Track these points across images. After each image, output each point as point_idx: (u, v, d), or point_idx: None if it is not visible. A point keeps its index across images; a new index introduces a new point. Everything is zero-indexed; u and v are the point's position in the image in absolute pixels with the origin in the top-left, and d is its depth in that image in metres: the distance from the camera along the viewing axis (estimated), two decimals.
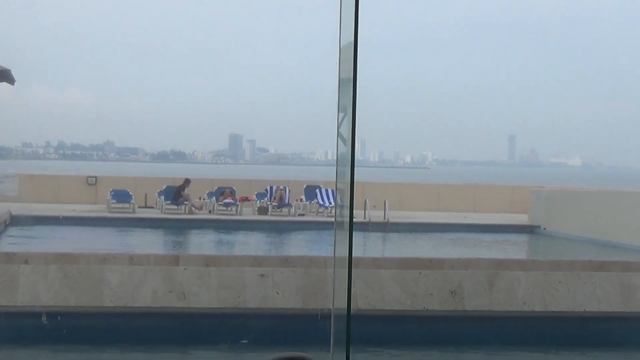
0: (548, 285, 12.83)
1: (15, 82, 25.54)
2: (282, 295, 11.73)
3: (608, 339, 11.64)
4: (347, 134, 4.37)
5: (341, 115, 4.40)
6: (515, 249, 29.26)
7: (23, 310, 11.35)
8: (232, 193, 38.16)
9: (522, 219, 35.50)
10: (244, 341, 9.39)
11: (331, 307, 4.52)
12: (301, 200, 38.82)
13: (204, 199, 38.63)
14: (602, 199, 33.53)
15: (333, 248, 4.59)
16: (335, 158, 4.44)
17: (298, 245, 29.51)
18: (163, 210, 37.15)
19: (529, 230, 33.64)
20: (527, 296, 12.47)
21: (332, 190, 32.03)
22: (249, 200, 38.95)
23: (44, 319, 11.49)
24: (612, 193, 36.99)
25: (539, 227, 33.10)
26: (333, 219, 4.81)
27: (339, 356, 4.32)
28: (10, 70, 20.44)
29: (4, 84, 22.91)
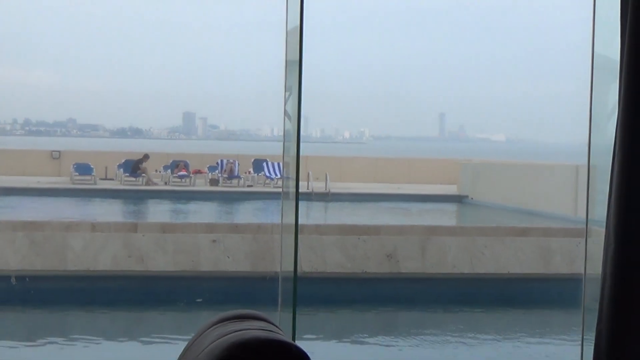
0: (475, 249, 12.99)
1: None
2: (233, 259, 11.79)
3: (529, 298, 11.79)
4: (292, 112, 4.39)
5: (287, 94, 4.42)
6: (445, 216, 29.53)
7: None
8: (185, 166, 38.29)
9: (451, 189, 35.88)
10: (198, 300, 9.44)
11: (278, 270, 4.54)
12: (249, 172, 38.92)
13: (159, 172, 38.67)
14: (523, 171, 33.93)
15: (281, 216, 4.61)
16: (281, 134, 4.46)
17: (246, 214, 29.63)
18: (122, 182, 37.24)
19: (457, 199, 33.98)
20: (456, 259, 12.61)
21: (279, 164, 32.20)
22: (202, 173, 39.02)
23: (13, 280, 11.47)
24: (531, 165, 37.41)
25: (466, 196, 33.45)
26: (279, 190, 4.84)
27: (286, 314, 4.35)
28: None
29: None
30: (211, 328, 3.42)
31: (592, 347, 4.22)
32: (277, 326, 3.42)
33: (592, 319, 4.26)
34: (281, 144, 4.51)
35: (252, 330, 3.23)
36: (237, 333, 3.21)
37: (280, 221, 4.60)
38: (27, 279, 11.47)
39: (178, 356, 3.46)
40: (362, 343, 10.25)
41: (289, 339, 3.11)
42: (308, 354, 2.86)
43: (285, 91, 4.41)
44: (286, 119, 4.47)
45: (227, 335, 3.20)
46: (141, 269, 12.08)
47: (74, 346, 10.36)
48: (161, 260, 12.17)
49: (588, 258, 4.47)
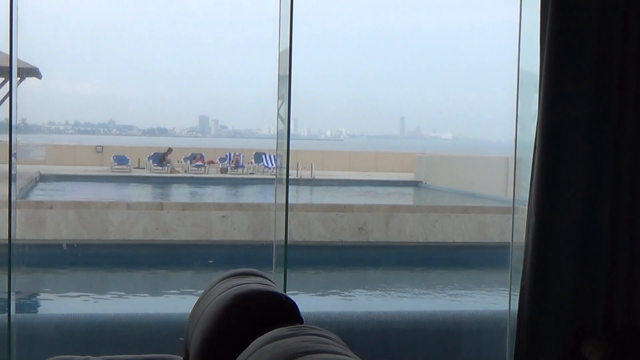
0: (427, 223, 13.03)
1: (42, 77, 25.18)
2: (238, 230, 11.85)
3: (470, 261, 11.85)
4: (284, 115, 4.42)
5: (280, 101, 4.44)
6: (404, 197, 29.52)
7: (49, 242, 11.35)
8: (201, 158, 38.14)
9: (409, 176, 35.80)
10: (210, 261, 9.45)
11: (273, 239, 4.55)
12: (251, 163, 38.78)
13: (181, 162, 38.55)
14: (465, 162, 33.97)
15: (274, 197, 4.64)
16: (276, 133, 4.48)
17: (249, 195, 29.53)
18: (151, 170, 37.10)
19: (414, 184, 33.84)
20: (412, 231, 12.65)
21: (274, 156, 32.11)
22: (214, 163, 38.89)
23: (64, 247, 11.49)
24: (472, 157, 37.40)
25: (421, 182, 33.36)
26: (274, 177, 4.86)
27: (279, 274, 4.38)
28: (38, 69, 20.17)
29: (34, 78, 22.59)
30: (220, 282, 3.44)
31: (517, 298, 4.25)
32: (272, 281, 3.45)
33: (517, 277, 4.29)
34: (275, 140, 4.54)
35: (252, 284, 3.25)
36: (240, 286, 3.23)
37: (274, 201, 4.62)
38: (75, 246, 11.51)
39: (193, 305, 3.47)
40: (338, 295, 10.30)
41: (281, 291, 3.11)
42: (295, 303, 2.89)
43: (278, 99, 4.44)
44: (279, 121, 4.50)
45: (232, 287, 3.22)
46: (166, 238, 12.10)
47: (112, 299, 10.36)
48: (181, 231, 12.21)
49: (515, 229, 4.50)
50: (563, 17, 4.07)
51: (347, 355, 2.34)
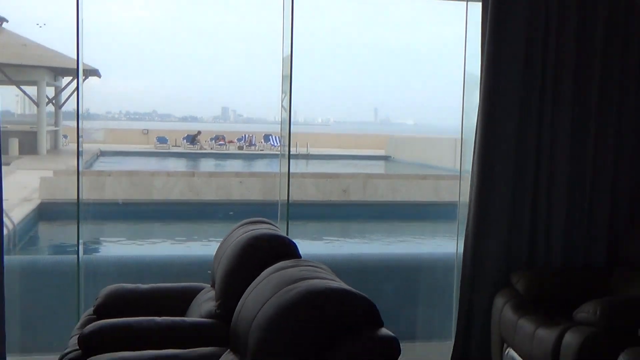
0: (395, 187, 13.06)
1: (101, 76, 24.88)
2: (252, 193, 11.86)
3: (427, 216, 11.85)
4: (286, 106, 4.46)
5: (283, 95, 4.48)
6: (377, 168, 29.46)
7: (108, 202, 11.34)
8: (223, 138, 37.93)
9: (381, 152, 35.68)
10: (231, 213, 9.45)
11: (278, 199, 4.59)
12: (261, 142, 38.61)
13: (207, 142, 38.30)
14: (424, 141, 33.81)
15: (279, 167, 4.67)
16: (280, 120, 4.53)
17: (260, 167, 29.44)
18: (185, 148, 36.93)
19: (384, 158, 33.68)
20: (383, 192, 12.66)
21: (278, 137, 32.05)
22: (232, 142, 38.72)
23: (120, 203, 11.49)
24: (430, 138, 37.28)
25: (390, 156, 33.24)
26: (279, 152, 4.90)
27: (282, 225, 4.42)
28: (98, 70, 19.96)
29: (95, 77, 22.36)
30: (238, 228, 3.48)
31: (462, 243, 4.30)
32: (278, 228, 3.49)
33: (463, 227, 4.33)
34: (280, 125, 4.59)
35: (263, 230, 3.29)
36: (253, 230, 3.27)
37: (279, 170, 4.66)
38: (125, 204, 11.53)
39: (218, 246, 3.50)
40: (327, 241, 10.32)
41: (284, 235, 3.14)
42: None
43: (282, 94, 4.47)
44: (283, 110, 4.54)
45: (247, 232, 3.25)
46: (197, 198, 12.08)
47: (156, 244, 10.37)
48: (209, 193, 12.20)
49: (461, 192, 4.52)
50: (498, 31, 4.10)
51: (334, 280, 2.40)
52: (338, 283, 2.32)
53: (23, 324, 4.18)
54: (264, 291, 2.45)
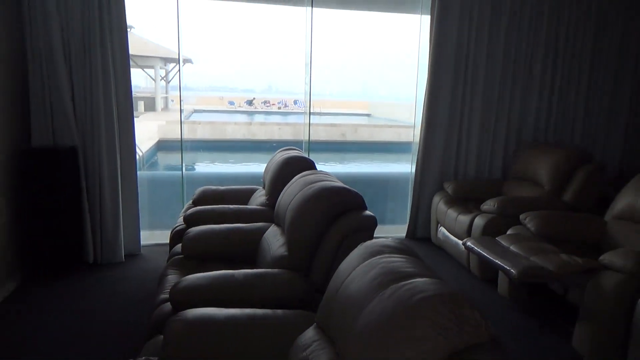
0: (373, 132, 12.86)
1: (194, 63, 24.15)
2: (286, 135, 11.72)
3: (392, 149, 11.74)
4: (307, 82, 4.39)
5: (306, 75, 4.39)
6: (363, 120, 29.10)
7: (199, 140, 11.24)
8: (269, 102, 37.51)
9: (365, 112, 35.19)
10: (274, 144, 9.38)
11: (303, 138, 4.56)
12: (292, 104, 38.20)
13: (260, 104, 37.79)
14: (392, 106, 33.18)
15: (303, 120, 4.63)
16: (304, 91, 4.47)
17: (291, 119, 29.09)
18: (245, 108, 36.57)
19: (367, 115, 33.26)
20: (369, 135, 12.49)
21: (302, 101, 31.66)
22: (274, 105, 38.32)
23: (201, 151, 11.42)
24: (395, 104, 36.62)
25: (370, 114, 32.75)
26: (303, 111, 4.80)
27: (305, 154, 4.40)
28: (191, 59, 19.70)
29: (189, 64, 22.03)
30: (278, 152, 3.46)
31: (414, 166, 4.28)
32: (303, 152, 3.45)
33: (415, 156, 4.30)
34: (304, 95, 4.52)
35: (294, 153, 3.27)
36: (288, 153, 3.25)
37: (303, 122, 4.62)
38: (210, 143, 11.40)
39: (266, 164, 3.50)
40: (332, 165, 10.28)
41: (307, 156, 3.09)
42: None
43: (305, 74, 4.39)
44: (305, 85, 4.48)
45: (284, 155, 3.24)
46: (253, 138, 11.96)
47: (228, 165, 10.33)
48: (260, 134, 12.07)
49: (414, 135, 4.46)
50: (439, 35, 3.99)
51: (337, 182, 2.38)
52: (339, 184, 2.29)
53: (150, 212, 4.25)
54: (295, 188, 2.45)
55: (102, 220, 3.50)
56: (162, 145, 9.08)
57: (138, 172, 3.64)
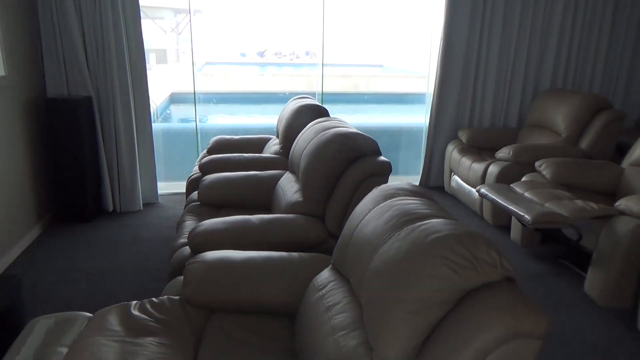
0: (387, 83, 12.64)
1: (203, 14, 23.44)
2: (299, 87, 11.59)
3: (406, 100, 11.58)
4: (321, 34, 4.26)
5: (320, 32, 4.26)
6: (375, 72, 28.49)
7: (211, 92, 11.16)
8: (280, 53, 36.98)
9: (378, 63, 34.63)
10: (287, 93, 9.27)
11: (316, 90, 4.48)
12: (303, 55, 37.59)
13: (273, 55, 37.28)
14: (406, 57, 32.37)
15: (317, 71, 4.54)
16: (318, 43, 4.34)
17: (304, 72, 28.55)
18: (256, 60, 36.20)
19: (380, 66, 32.68)
20: (380, 86, 12.30)
21: (311, 51, 30.94)
22: (286, 56, 37.78)
23: (215, 101, 11.37)
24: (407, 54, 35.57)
25: (383, 65, 32.10)
26: (316, 63, 4.71)
27: (319, 97, 4.32)
28: (201, 10, 19.35)
29: (200, 14, 21.67)
30: (292, 100, 3.43)
31: (428, 116, 4.21)
32: (316, 101, 3.41)
33: (429, 107, 4.23)
34: (317, 46, 4.39)
35: (307, 101, 3.23)
36: (302, 100, 3.21)
37: (316, 73, 4.53)
38: (220, 96, 11.29)
39: (280, 112, 3.46)
40: (344, 116, 10.18)
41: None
42: None
43: (319, 27, 4.26)
44: (319, 37, 4.35)
45: (297, 103, 3.20)
46: (263, 90, 11.80)
47: (239, 117, 10.28)
48: (273, 87, 11.92)
49: (428, 86, 4.36)
50: (451, 11, 3.80)
51: (351, 129, 2.36)
52: (353, 130, 2.25)
53: (165, 163, 4.27)
54: (309, 135, 2.43)
55: (120, 170, 3.53)
56: (175, 98, 9.05)
57: (152, 124, 3.64)
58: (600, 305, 2.43)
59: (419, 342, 1.11)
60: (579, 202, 2.50)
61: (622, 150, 3.93)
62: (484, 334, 1.01)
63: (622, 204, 2.40)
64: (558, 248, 3.11)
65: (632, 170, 2.89)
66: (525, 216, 2.41)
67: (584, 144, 3.47)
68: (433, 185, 4.29)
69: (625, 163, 2.97)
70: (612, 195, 2.94)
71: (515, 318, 1.02)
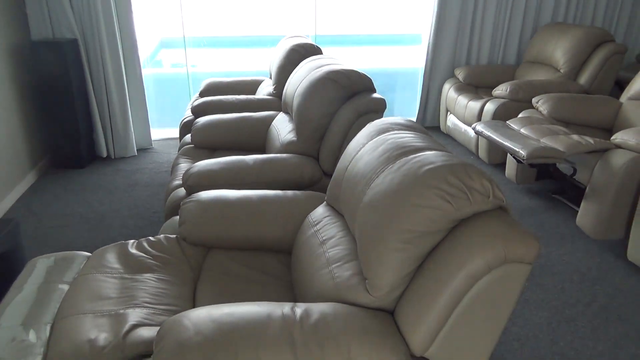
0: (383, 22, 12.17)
1: None
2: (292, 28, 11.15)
3: (404, 41, 11.22)
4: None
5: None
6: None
7: (202, 36, 10.80)
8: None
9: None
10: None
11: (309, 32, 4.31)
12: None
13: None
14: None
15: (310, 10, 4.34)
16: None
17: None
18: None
19: None
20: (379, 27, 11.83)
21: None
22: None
23: (205, 43, 10.97)
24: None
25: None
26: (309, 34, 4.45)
27: (312, 39, 4.19)
28: None
29: None
30: (284, 39, 3.30)
31: (425, 54, 4.11)
32: (310, 39, 3.30)
33: (426, 46, 4.12)
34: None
35: (301, 40, 3.12)
36: (294, 40, 3.08)
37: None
38: (212, 39, 10.90)
39: (275, 50, 3.35)
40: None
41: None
42: None
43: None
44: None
45: (291, 42, 3.07)
46: (257, 33, 11.35)
47: (231, 61, 9.97)
48: (265, 28, 11.45)
49: (426, 23, 4.22)
50: None
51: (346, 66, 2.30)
52: (347, 66, 2.22)
53: (158, 110, 4.21)
54: (301, 73, 2.38)
55: (112, 114, 3.48)
56: (165, 42, 8.80)
57: (142, 70, 3.56)
58: (592, 238, 2.48)
59: (412, 270, 1.14)
60: (575, 137, 2.49)
61: (622, 86, 3.87)
62: (475, 260, 1.04)
63: (618, 137, 2.39)
64: (552, 184, 3.14)
65: (631, 104, 2.86)
66: (521, 152, 2.40)
67: (583, 79, 3.41)
68: (429, 125, 4.26)
69: (623, 97, 2.94)
70: (610, 130, 2.92)
71: (506, 244, 1.04)
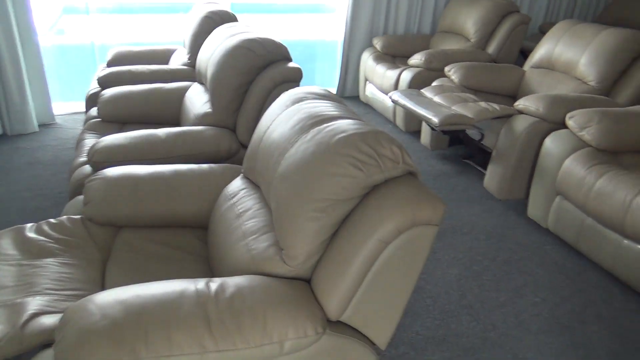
0: None
1: None
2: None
3: (323, 9, 11.13)
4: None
5: None
6: None
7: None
8: None
9: None
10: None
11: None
12: None
13: None
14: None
15: None
16: None
17: None
18: None
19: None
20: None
21: None
22: None
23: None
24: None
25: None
26: None
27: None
28: None
29: None
30: (197, 7, 3.14)
31: (344, 25, 4.09)
32: (226, 8, 3.16)
33: (344, 16, 4.10)
34: None
35: (215, 7, 2.98)
36: (209, 7, 2.92)
37: None
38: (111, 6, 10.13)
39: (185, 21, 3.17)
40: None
41: (229, 10, 2.83)
42: None
43: None
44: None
45: (205, 8, 2.92)
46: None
47: (141, 30, 9.35)
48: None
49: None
50: None
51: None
52: (262, 35, 2.17)
53: (61, 82, 3.89)
54: (215, 40, 2.29)
55: (6, 88, 3.17)
56: (67, 9, 8.09)
57: (43, 40, 3.25)
58: (498, 198, 2.66)
59: (327, 238, 1.16)
60: (483, 104, 2.63)
61: (526, 55, 4.13)
62: (385, 225, 1.07)
63: (520, 103, 2.56)
64: (463, 149, 3.31)
65: (532, 72, 3.05)
66: (433, 119, 2.50)
67: (491, 48, 3.59)
68: (349, 95, 4.30)
69: (526, 66, 3.13)
70: (515, 97, 3.12)
71: (414, 207, 1.08)
